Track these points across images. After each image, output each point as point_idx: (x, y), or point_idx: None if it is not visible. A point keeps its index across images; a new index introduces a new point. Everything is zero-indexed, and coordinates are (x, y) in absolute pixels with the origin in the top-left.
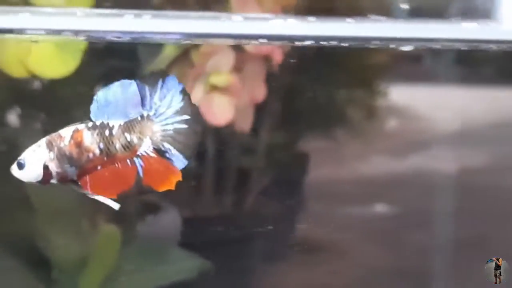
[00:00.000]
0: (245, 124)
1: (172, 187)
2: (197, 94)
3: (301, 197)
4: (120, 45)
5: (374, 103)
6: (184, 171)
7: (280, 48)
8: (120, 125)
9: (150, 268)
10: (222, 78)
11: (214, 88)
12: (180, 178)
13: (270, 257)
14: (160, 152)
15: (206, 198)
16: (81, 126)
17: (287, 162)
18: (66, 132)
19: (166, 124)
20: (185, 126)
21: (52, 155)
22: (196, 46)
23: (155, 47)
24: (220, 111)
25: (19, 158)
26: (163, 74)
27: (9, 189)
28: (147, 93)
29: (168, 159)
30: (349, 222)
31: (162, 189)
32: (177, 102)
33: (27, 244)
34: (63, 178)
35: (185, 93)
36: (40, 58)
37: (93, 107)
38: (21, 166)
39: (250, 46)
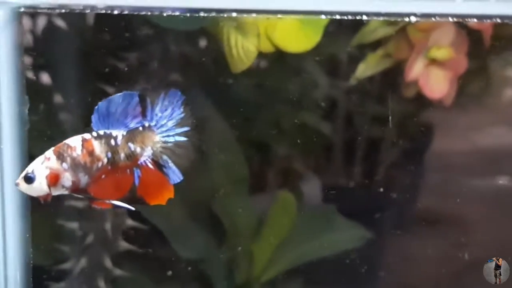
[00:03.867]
0: (450, 98)
1: (163, 202)
2: (417, 69)
3: (427, 168)
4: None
5: (498, 73)
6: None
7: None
8: (123, 135)
9: (320, 236)
10: (443, 52)
11: (432, 62)
12: (172, 195)
13: (397, 229)
14: (158, 165)
15: (336, 168)
16: (87, 136)
17: (414, 134)
18: (75, 142)
19: (167, 136)
20: (185, 139)
21: (65, 165)
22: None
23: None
24: (438, 85)
25: (26, 171)
26: (166, 87)
27: None
28: (148, 104)
29: (165, 173)
30: (473, 194)
31: (153, 203)
32: (178, 114)
33: (205, 209)
34: (75, 188)
35: (186, 105)
36: (285, 32)
37: (94, 117)
38: (30, 180)
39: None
